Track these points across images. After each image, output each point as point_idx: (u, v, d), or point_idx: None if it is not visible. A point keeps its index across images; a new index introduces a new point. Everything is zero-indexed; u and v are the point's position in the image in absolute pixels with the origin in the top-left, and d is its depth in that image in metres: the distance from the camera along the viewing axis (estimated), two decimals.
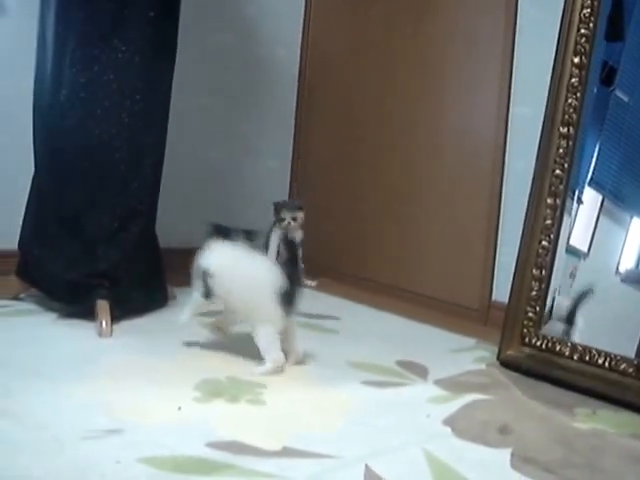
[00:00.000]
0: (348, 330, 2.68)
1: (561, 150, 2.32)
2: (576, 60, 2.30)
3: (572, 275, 2.39)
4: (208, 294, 2.21)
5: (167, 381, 1.99)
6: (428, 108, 3.18)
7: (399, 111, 3.31)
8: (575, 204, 2.40)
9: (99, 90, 2.48)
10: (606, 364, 2.15)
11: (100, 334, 2.38)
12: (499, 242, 2.84)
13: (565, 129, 2.31)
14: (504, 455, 1.64)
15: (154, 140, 2.64)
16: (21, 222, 2.66)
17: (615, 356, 2.15)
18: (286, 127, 3.85)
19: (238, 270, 2.21)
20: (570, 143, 2.31)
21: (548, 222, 2.32)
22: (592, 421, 1.94)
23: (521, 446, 1.70)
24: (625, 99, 2.40)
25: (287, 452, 1.58)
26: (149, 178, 2.63)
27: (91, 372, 2.02)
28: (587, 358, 2.19)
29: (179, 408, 1.78)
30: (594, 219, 2.42)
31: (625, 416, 2.00)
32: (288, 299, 2.13)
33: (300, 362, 2.22)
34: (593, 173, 2.41)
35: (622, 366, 2.12)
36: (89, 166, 2.52)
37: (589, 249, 2.41)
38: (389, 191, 3.34)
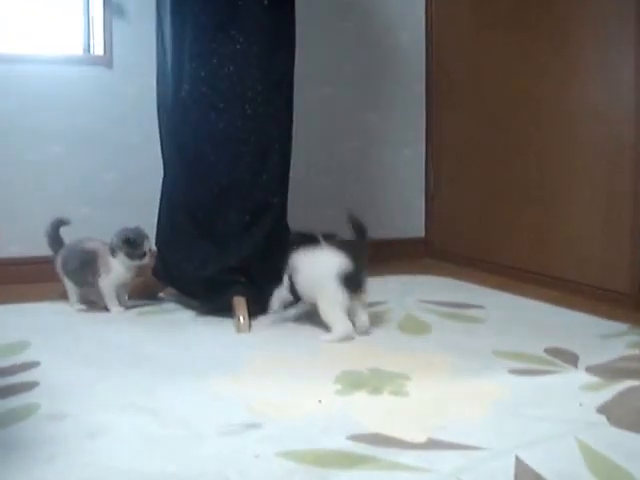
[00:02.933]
0: (493, 319, 2.58)
1: None
2: None
3: None
4: (291, 289, 2.41)
5: (307, 374, 1.97)
6: (563, 84, 3.04)
7: (532, 90, 3.19)
8: None
9: (220, 83, 2.48)
10: None
11: (238, 330, 2.38)
12: None
13: None
14: None
15: (279, 130, 2.61)
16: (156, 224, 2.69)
17: None
18: (416, 113, 3.80)
19: (307, 261, 2.39)
20: None
21: None
22: None
23: None
24: None
25: (432, 444, 1.51)
26: (278, 170, 2.60)
27: (231, 368, 2.02)
28: None
29: (320, 401, 1.74)
30: None
31: None
32: (351, 281, 2.27)
33: (364, 332, 2.33)
34: None
35: None
36: (216, 161, 2.52)
37: None
38: (527, 174, 3.23)
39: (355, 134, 3.64)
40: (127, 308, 2.64)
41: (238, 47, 2.48)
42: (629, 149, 2.74)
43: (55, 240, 2.69)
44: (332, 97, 3.55)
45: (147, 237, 2.59)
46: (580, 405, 1.74)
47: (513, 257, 3.28)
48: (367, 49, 3.64)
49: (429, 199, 3.83)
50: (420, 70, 3.79)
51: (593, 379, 1.94)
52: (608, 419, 1.65)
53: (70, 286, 2.66)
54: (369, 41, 3.65)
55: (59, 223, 2.69)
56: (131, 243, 2.55)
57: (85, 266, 2.60)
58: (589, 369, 2.02)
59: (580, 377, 1.96)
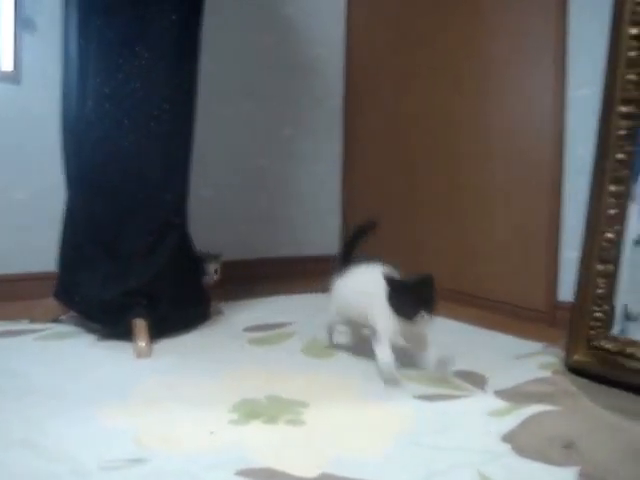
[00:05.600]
0: None
1: (621, 131, 2.11)
2: (633, 31, 2.09)
3: None
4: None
5: (204, 403, 1.85)
6: (480, 101, 3.02)
7: (450, 107, 3.15)
8: None
9: (125, 100, 2.37)
10: None
11: (138, 355, 2.26)
12: (562, 237, 2.66)
13: (625, 108, 2.10)
14: (569, 475, 1.45)
15: (184, 148, 2.52)
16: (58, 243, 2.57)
17: None
18: (333, 129, 3.73)
19: (353, 285, 2.24)
20: (632, 123, 2.10)
21: (612, 212, 2.11)
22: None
23: (589, 464, 1.51)
24: None
25: (325, 478, 1.42)
26: (180, 189, 2.52)
27: (125, 396, 1.89)
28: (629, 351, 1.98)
29: (211, 432, 1.64)
30: None
31: None
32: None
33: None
34: None
35: None
36: (120, 180, 2.41)
37: None
38: (444, 192, 3.19)
39: (270, 150, 3.56)
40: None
41: (144, 63, 2.38)
42: (545, 165, 2.71)
43: None
44: (247, 112, 3.46)
45: None
46: (485, 433, 1.67)
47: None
48: (286, 64, 3.57)
49: (344, 216, 3.76)
50: (337, 86, 3.74)
51: (502, 403, 1.87)
52: (513, 448, 1.59)
53: None
54: (288, 56, 3.58)
55: None
56: None
57: None
58: (498, 393, 1.95)
59: (488, 401, 1.90)
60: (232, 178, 3.41)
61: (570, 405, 1.87)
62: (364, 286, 2.15)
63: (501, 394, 1.94)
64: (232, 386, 1.98)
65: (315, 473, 1.44)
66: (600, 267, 2.12)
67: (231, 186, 3.40)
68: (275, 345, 2.41)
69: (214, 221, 3.07)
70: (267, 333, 2.52)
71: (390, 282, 2.02)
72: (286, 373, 2.12)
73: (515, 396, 1.92)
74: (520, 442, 1.62)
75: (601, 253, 2.12)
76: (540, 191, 2.75)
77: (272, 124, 3.55)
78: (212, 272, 2.80)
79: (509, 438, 1.64)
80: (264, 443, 1.60)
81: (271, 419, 1.73)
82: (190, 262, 2.58)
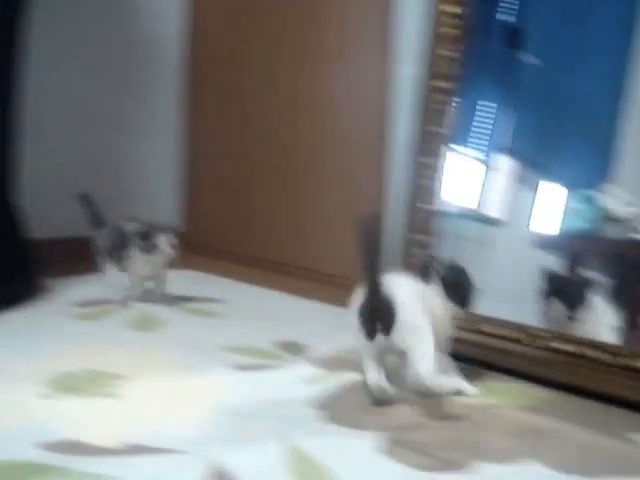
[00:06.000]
0: (233, 313, 2.52)
1: (435, 105, 2.18)
2: (447, 9, 2.17)
3: (486, 244, 2.26)
4: None
5: (17, 377, 1.79)
6: (311, 77, 3.05)
7: (282, 81, 3.17)
8: (489, 171, 2.30)
9: None
10: (498, 332, 2.02)
11: None
12: (386, 211, 2.72)
13: (439, 83, 2.18)
14: (377, 439, 1.50)
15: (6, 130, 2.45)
16: None
17: (509, 324, 2.02)
18: (172, 105, 3.68)
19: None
20: (449, 97, 2.18)
21: (424, 183, 2.19)
22: (480, 395, 1.81)
23: (398, 428, 1.57)
24: (535, 61, 2.28)
25: (132, 450, 1.41)
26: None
27: None
28: (480, 328, 2.05)
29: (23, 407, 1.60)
30: (511, 186, 2.29)
31: (512, 386, 1.90)
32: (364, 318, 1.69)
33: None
34: (507, 139, 2.30)
35: (515, 334, 2.00)
36: None
37: (505, 217, 2.28)
38: (275, 168, 3.21)
39: (106, 126, 3.48)
40: None
41: None
42: (371, 142, 2.76)
43: None
44: (82, 88, 3.36)
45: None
46: (296, 400, 1.70)
47: (267, 249, 3.24)
48: (121, 37, 3.49)
49: (185, 192, 3.74)
50: (177, 61, 3.68)
51: (316, 371, 1.92)
52: (324, 414, 1.62)
53: None
54: (124, 29, 3.50)
55: None
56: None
57: None
58: (314, 361, 2.00)
59: (303, 370, 1.93)
60: (69, 155, 3.33)
61: None
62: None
63: (317, 362, 1.99)
64: (50, 361, 1.92)
65: (123, 445, 1.42)
66: (418, 238, 2.18)
67: (69, 164, 3.32)
68: (104, 320, 2.36)
69: (53, 199, 2.98)
70: (97, 308, 2.48)
71: None
72: (109, 347, 2.09)
73: (330, 364, 1.97)
74: (330, 409, 1.65)
75: (419, 225, 2.19)
76: (367, 166, 2.80)
77: (107, 99, 3.48)
78: (164, 246, 2.50)
79: (319, 405, 1.68)
80: (74, 416, 1.58)
81: (85, 392, 1.70)
82: (13, 238, 2.51)
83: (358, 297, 1.72)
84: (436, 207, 2.19)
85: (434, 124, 2.19)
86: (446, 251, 2.17)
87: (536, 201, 2.22)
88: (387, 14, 2.67)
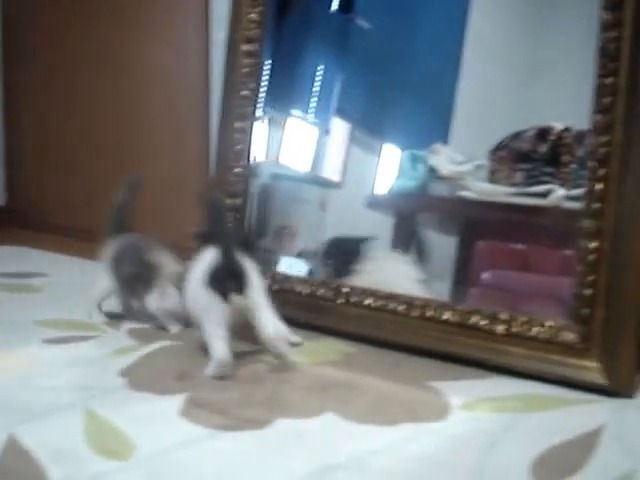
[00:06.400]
0: (54, 287, 2.48)
1: (246, 69, 2.21)
2: None
3: (323, 206, 2.30)
4: None
5: None
6: (133, 46, 3.02)
7: (103, 50, 3.14)
8: (322, 134, 2.34)
9: None
10: (308, 290, 2.08)
11: None
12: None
13: (247, 46, 2.21)
14: (176, 402, 1.51)
15: None
16: None
17: (315, 281, 2.08)
18: None
19: None
20: (254, 61, 2.21)
21: (238, 147, 2.22)
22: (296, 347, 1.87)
23: (199, 391, 1.58)
24: (366, 25, 2.31)
25: None
26: None
27: None
28: (287, 286, 2.10)
29: None
30: (344, 148, 2.32)
31: (322, 343, 1.95)
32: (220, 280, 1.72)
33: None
34: (341, 103, 2.33)
35: (320, 291, 2.06)
36: None
37: (341, 179, 2.32)
38: (98, 139, 3.17)
39: None
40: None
41: None
42: (193, 110, 2.77)
43: None
44: None
45: None
46: (104, 370, 1.70)
47: (91, 221, 3.19)
48: None
49: (8, 166, 3.64)
50: None
51: (130, 342, 1.91)
52: (128, 382, 1.62)
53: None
54: None
55: None
56: None
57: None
58: (129, 332, 1.99)
59: (118, 340, 1.92)
60: None
61: (188, 339, 1.93)
62: None
63: (132, 333, 1.99)
64: None
65: None
66: (229, 201, 2.21)
67: None
68: None
69: None
70: None
71: None
72: None
73: (144, 335, 1.97)
74: (135, 377, 1.65)
75: (230, 188, 2.21)
76: (191, 134, 2.81)
77: None
78: None
79: (126, 373, 1.67)
80: None
81: None
82: None
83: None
84: (252, 170, 2.24)
85: (247, 88, 2.21)
86: (280, 217, 2.24)
87: (370, 162, 2.27)
88: None
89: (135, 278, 2.02)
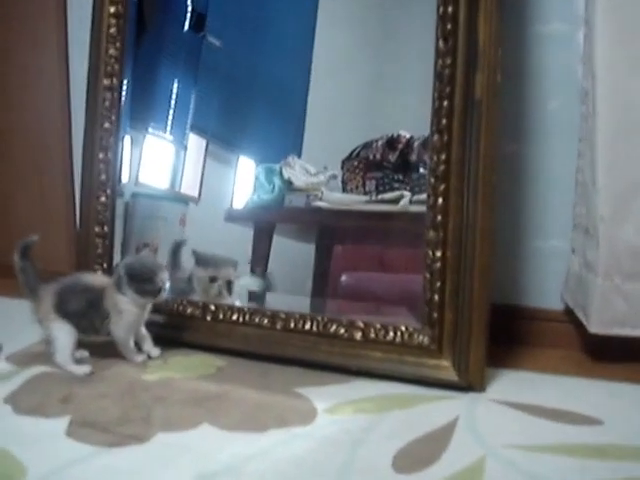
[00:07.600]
0: None
1: (107, 102, 2.31)
2: (112, 9, 2.29)
3: (182, 222, 2.39)
4: None
5: None
6: None
7: None
8: (180, 151, 2.43)
9: None
10: (175, 308, 2.19)
11: None
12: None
13: (109, 81, 2.31)
14: (62, 424, 1.60)
15: None
16: None
17: (181, 301, 2.19)
18: None
19: None
20: (115, 94, 2.31)
21: (103, 177, 2.31)
22: (162, 370, 1.95)
23: (83, 411, 1.67)
24: (217, 43, 2.41)
25: None
26: None
27: None
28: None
29: None
30: (201, 164, 2.42)
31: (194, 359, 2.05)
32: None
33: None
34: (194, 118, 2.42)
35: (189, 309, 2.17)
36: None
37: (199, 194, 2.41)
38: None
39: None
40: None
41: None
42: (60, 139, 2.82)
43: None
44: None
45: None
46: None
47: None
48: None
49: None
50: None
51: (10, 368, 1.97)
52: (12, 408, 1.69)
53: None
54: None
55: None
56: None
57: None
58: (8, 357, 2.05)
59: None
60: None
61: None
62: None
63: (11, 358, 2.05)
64: None
65: None
66: (98, 229, 2.32)
67: None
68: None
69: None
70: None
71: None
72: None
73: (23, 359, 2.04)
74: (19, 402, 1.73)
75: (97, 216, 2.32)
76: (54, 165, 2.87)
77: None
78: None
79: (10, 400, 1.74)
80: None
81: None
82: None
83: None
84: (116, 194, 2.34)
85: (107, 120, 2.32)
86: (141, 235, 2.36)
87: (227, 177, 2.38)
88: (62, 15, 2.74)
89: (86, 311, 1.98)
